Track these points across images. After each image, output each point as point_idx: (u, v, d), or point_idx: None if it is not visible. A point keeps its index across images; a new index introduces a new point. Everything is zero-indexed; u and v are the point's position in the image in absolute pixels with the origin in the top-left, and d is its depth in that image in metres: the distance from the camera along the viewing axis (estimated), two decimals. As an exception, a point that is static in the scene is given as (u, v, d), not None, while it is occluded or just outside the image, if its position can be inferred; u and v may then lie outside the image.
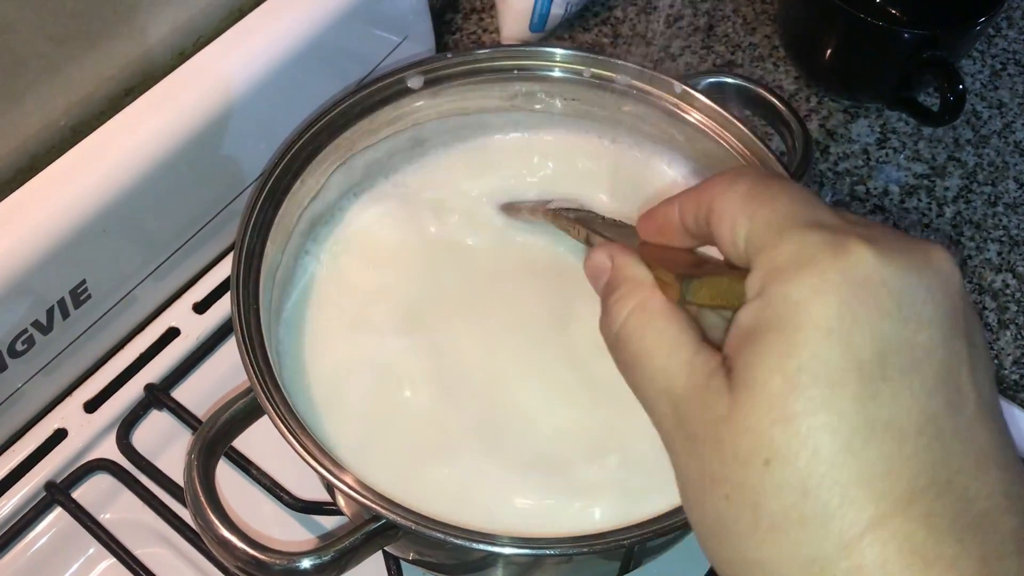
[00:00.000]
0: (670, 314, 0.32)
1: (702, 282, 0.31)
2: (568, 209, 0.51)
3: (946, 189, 0.71)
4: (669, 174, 0.56)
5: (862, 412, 0.26)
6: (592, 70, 0.54)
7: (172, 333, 0.62)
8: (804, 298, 0.27)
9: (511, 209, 0.54)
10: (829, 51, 0.73)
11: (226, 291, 0.63)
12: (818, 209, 0.30)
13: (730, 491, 0.28)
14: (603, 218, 0.49)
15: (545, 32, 0.77)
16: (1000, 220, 0.70)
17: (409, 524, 0.40)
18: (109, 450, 0.58)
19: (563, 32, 0.79)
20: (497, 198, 0.55)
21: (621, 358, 0.33)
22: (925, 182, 0.72)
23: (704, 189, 0.33)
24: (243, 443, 0.55)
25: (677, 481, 0.30)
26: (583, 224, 0.45)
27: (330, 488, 0.49)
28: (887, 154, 0.73)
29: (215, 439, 0.44)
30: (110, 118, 0.56)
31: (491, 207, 0.55)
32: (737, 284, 0.30)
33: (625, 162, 0.57)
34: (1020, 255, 0.68)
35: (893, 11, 0.77)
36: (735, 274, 0.31)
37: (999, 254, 0.68)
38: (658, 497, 0.44)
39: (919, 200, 0.71)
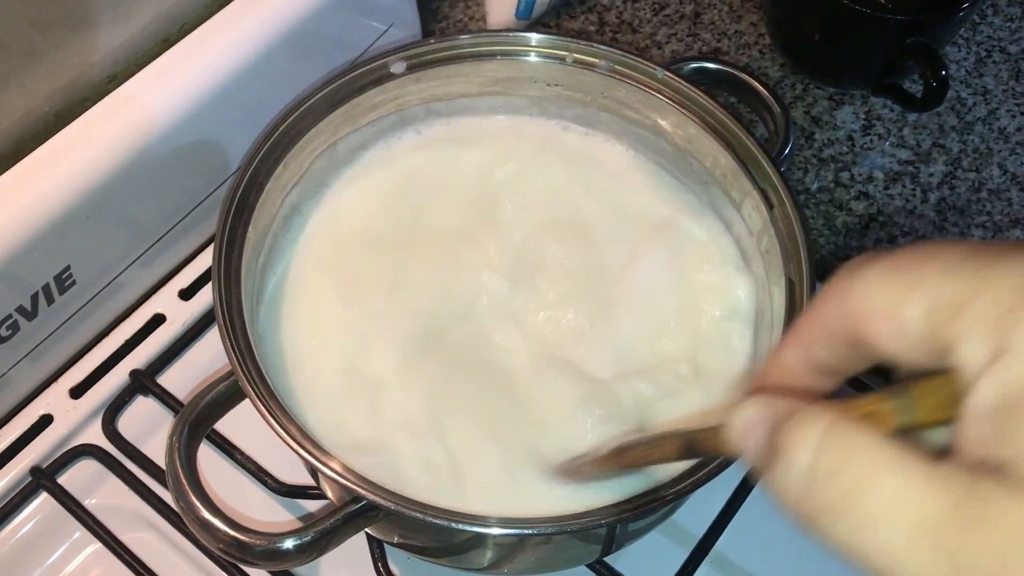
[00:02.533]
0: (875, 432, 0.24)
1: (922, 388, 0.24)
2: (631, 445, 0.41)
3: (931, 175, 0.72)
4: (649, 162, 0.57)
5: None
6: (574, 55, 0.54)
7: (158, 319, 0.62)
8: None
9: (568, 472, 0.45)
10: (814, 38, 0.73)
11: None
12: (975, 244, 0.24)
13: None
14: (680, 432, 0.38)
15: (531, 19, 0.77)
16: (984, 206, 0.70)
17: (389, 504, 0.40)
18: (95, 436, 0.58)
19: (549, 19, 0.79)
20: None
21: (824, 502, 0.23)
22: (910, 168, 0.72)
23: (823, 306, 0.26)
24: (227, 427, 0.55)
25: None
26: (672, 443, 0.36)
27: (312, 470, 0.49)
28: (872, 140, 0.73)
29: (196, 422, 0.44)
30: (94, 104, 0.56)
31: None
32: (949, 382, 0.23)
33: (604, 148, 0.57)
34: (1004, 240, 0.69)
35: (878, -2, 0.77)
36: (932, 377, 0.24)
37: (983, 239, 0.69)
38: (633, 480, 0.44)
39: (903, 186, 0.71)
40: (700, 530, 0.54)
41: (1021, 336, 0.21)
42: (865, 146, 0.73)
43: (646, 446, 0.38)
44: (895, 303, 0.24)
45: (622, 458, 0.41)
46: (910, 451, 0.23)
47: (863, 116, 0.74)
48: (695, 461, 0.42)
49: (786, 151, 0.53)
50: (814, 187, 0.71)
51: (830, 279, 0.26)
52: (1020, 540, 0.20)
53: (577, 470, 0.44)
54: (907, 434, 0.24)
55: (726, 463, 0.41)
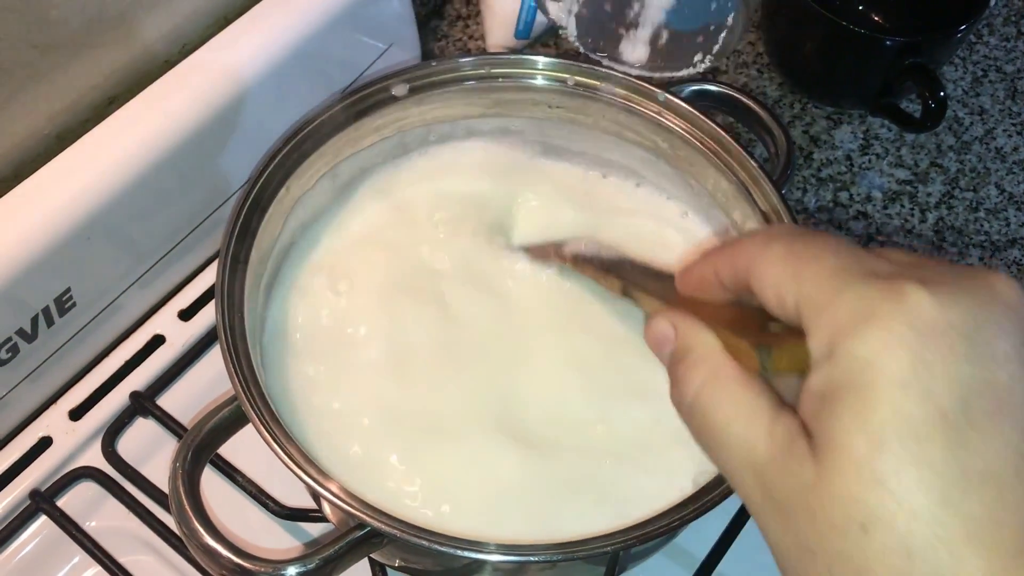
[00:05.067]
0: (744, 380, 0.31)
1: (781, 350, 0.30)
2: (595, 257, 0.50)
3: (928, 195, 0.72)
4: (651, 180, 0.57)
5: (955, 463, 0.25)
6: (576, 78, 0.54)
7: (157, 340, 0.62)
8: (873, 354, 0.26)
9: (534, 251, 0.53)
10: (812, 58, 0.73)
11: (212, 298, 0.63)
12: (866, 258, 0.29)
13: (832, 562, 0.26)
14: (635, 264, 0.48)
15: (530, 39, 0.78)
16: (982, 225, 0.71)
17: (394, 532, 0.40)
18: (94, 458, 0.58)
19: (548, 39, 0.80)
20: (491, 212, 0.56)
21: (696, 427, 0.32)
22: (908, 188, 0.72)
23: (738, 251, 0.32)
24: (229, 450, 0.55)
25: (773, 553, 0.29)
26: (617, 275, 0.44)
27: (315, 495, 0.49)
28: (870, 160, 0.74)
29: (200, 447, 0.44)
30: (95, 126, 0.56)
31: (485, 226, 0.55)
32: (793, 352, 0.29)
33: (607, 170, 0.57)
34: (1002, 260, 0.69)
35: (876, 18, 0.77)
36: (782, 339, 0.30)
37: (981, 259, 0.69)
38: (643, 503, 0.44)
39: (902, 206, 0.71)
40: (703, 552, 0.54)
41: (843, 347, 0.27)
42: (863, 166, 0.73)
43: (596, 269, 0.47)
44: (780, 283, 0.30)
45: (579, 266, 0.49)
46: (764, 400, 0.30)
47: (861, 136, 0.75)
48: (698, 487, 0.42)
49: (787, 174, 0.53)
50: (813, 206, 0.71)
51: (757, 232, 0.33)
52: (807, 485, 0.27)
53: (541, 253, 0.52)
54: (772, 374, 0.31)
55: (728, 493, 0.41)
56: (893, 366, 0.26)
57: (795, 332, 0.30)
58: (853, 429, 0.26)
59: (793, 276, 0.29)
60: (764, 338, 0.31)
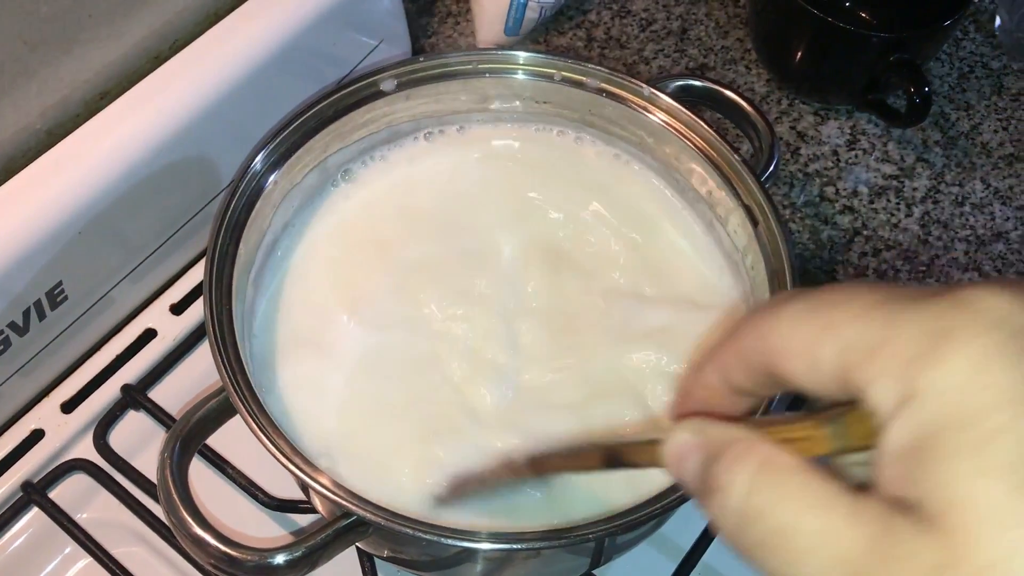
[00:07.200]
0: (803, 466, 0.24)
1: (852, 418, 0.25)
2: (551, 452, 0.40)
3: (914, 190, 0.73)
4: (636, 172, 0.57)
5: None
6: (563, 73, 0.55)
7: (149, 334, 0.62)
8: (967, 376, 0.22)
9: (458, 489, 0.45)
10: (799, 54, 0.74)
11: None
12: (898, 286, 0.25)
13: None
14: (605, 438, 0.41)
15: (520, 36, 0.78)
16: (967, 220, 0.71)
17: (379, 520, 0.40)
18: (86, 450, 0.58)
19: (538, 36, 0.80)
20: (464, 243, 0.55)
21: (755, 539, 0.24)
22: (894, 183, 0.73)
23: (743, 337, 0.27)
24: (219, 442, 0.56)
25: None
26: (590, 453, 0.36)
27: (303, 485, 0.49)
28: (856, 155, 0.74)
29: (188, 437, 0.44)
30: (86, 121, 0.56)
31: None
32: (866, 416, 0.24)
33: (593, 164, 0.58)
34: (986, 254, 0.69)
35: (862, 14, 0.78)
36: (849, 408, 0.25)
37: (966, 253, 0.70)
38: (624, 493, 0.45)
39: (888, 200, 0.72)
40: (688, 542, 0.54)
41: (926, 382, 0.22)
42: (850, 161, 0.74)
43: (563, 456, 0.39)
44: (809, 343, 0.25)
45: (538, 467, 0.41)
46: (835, 485, 0.24)
47: (848, 131, 0.75)
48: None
49: (771, 168, 0.54)
50: (800, 202, 0.72)
51: (752, 310, 0.27)
52: (935, 567, 0.21)
53: (476, 483, 0.44)
54: (836, 456, 0.26)
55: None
56: (997, 382, 0.21)
57: (842, 405, 0.25)
58: (975, 473, 0.21)
59: (825, 327, 0.24)
60: (816, 421, 0.25)
